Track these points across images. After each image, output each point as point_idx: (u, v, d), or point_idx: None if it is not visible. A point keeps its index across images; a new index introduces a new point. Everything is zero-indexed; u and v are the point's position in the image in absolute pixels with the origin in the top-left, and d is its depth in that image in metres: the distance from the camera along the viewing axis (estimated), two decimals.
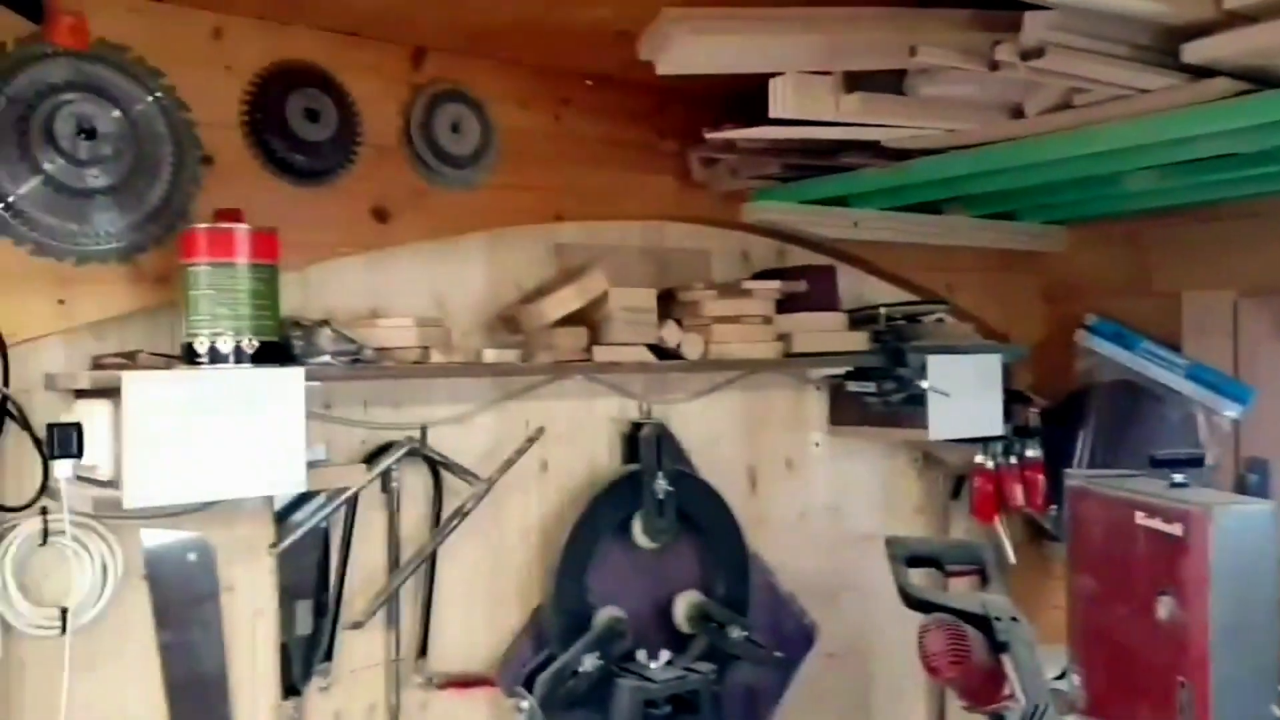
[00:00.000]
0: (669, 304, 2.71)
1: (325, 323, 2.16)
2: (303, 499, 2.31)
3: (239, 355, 2.00)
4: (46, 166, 1.98)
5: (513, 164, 2.56)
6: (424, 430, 2.43)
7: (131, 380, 1.88)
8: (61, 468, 1.92)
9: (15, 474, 2.01)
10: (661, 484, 2.73)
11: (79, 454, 1.93)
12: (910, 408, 3.00)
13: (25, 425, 2.01)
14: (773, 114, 2.19)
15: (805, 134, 2.36)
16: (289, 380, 2.02)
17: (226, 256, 2.00)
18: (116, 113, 2.04)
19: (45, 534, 2.01)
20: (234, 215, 2.05)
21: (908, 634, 2.39)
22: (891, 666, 3.28)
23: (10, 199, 1.95)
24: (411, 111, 2.41)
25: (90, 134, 2.01)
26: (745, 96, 2.28)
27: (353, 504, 2.37)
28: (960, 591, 2.80)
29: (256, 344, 2.02)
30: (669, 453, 2.78)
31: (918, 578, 2.62)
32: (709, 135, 2.51)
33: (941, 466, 3.45)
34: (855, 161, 2.67)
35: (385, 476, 2.41)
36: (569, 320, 2.51)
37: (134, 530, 2.14)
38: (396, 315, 2.36)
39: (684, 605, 2.78)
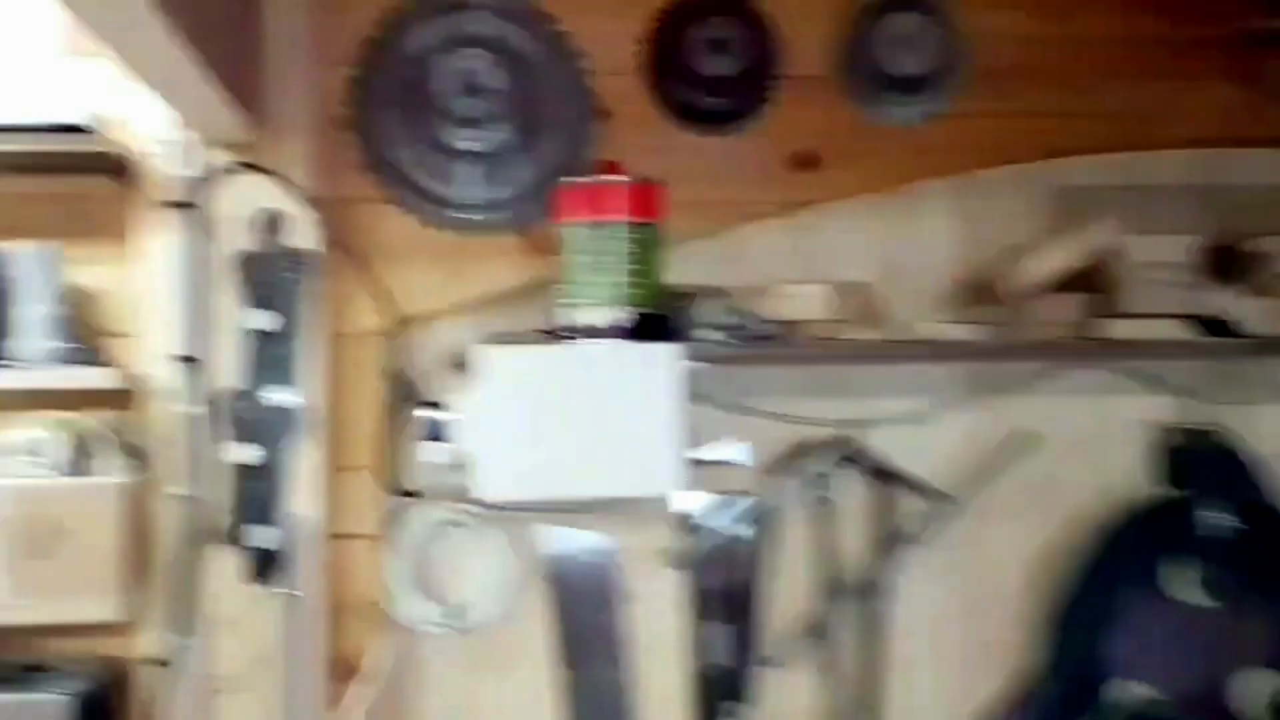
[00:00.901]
0: (1227, 261, 1.90)
1: (717, 291, 1.77)
2: (719, 505, 1.96)
3: (611, 329, 1.70)
4: (433, 128, 1.85)
5: (989, 85, 1.95)
6: (860, 430, 1.93)
7: (483, 357, 1.67)
8: (428, 452, 1.76)
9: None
10: (1223, 518, 1.92)
11: (446, 438, 1.76)
12: None
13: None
14: None
15: None
16: (662, 359, 1.68)
17: (597, 215, 1.71)
18: (506, 67, 1.86)
19: (441, 524, 1.89)
20: (613, 167, 1.76)
21: None
22: None
23: (397, 164, 1.85)
24: (846, 28, 1.94)
25: (478, 91, 1.85)
26: None
27: (776, 517, 1.95)
28: None
29: (632, 316, 1.70)
30: (1237, 475, 1.96)
31: None
32: None
33: None
34: None
35: (815, 486, 1.95)
36: (1066, 285, 1.85)
37: (535, 526, 1.94)
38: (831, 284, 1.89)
39: (1254, 689, 1.93)
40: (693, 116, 1.92)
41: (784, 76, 1.93)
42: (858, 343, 1.78)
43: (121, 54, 1.37)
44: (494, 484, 1.66)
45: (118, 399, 1.77)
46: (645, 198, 1.73)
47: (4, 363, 1.68)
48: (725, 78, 1.91)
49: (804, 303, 1.80)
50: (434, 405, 1.77)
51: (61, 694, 1.64)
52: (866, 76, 1.93)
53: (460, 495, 1.74)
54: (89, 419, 1.74)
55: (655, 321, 1.72)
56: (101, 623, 1.69)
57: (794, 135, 1.95)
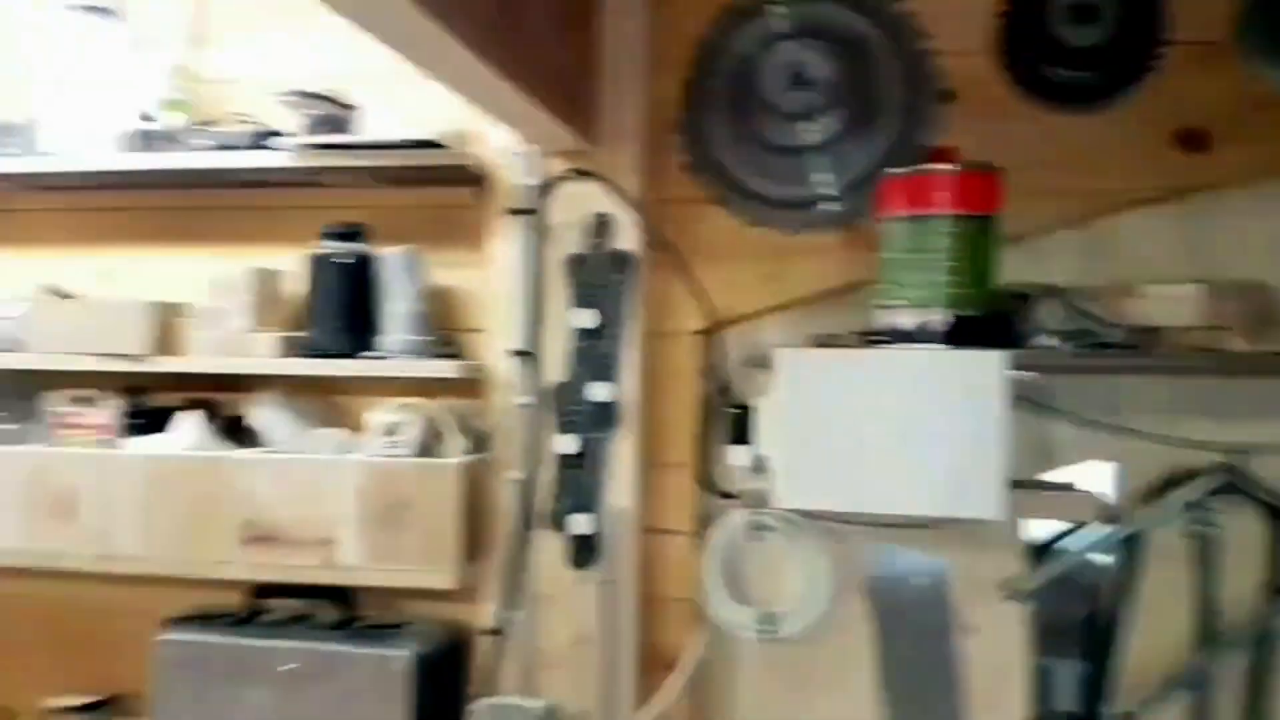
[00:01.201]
0: None
1: (1058, 291, 1.57)
2: (1073, 533, 1.74)
3: (927, 333, 1.57)
4: (760, 125, 1.80)
5: None
6: (1242, 457, 1.62)
7: (784, 360, 1.61)
8: (735, 455, 1.74)
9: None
10: None
11: (750, 441, 1.72)
12: None
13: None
14: None
15: None
16: (984, 367, 1.51)
17: (917, 208, 1.58)
18: (838, 55, 1.77)
19: (755, 528, 1.85)
20: (944, 154, 1.61)
21: None
22: None
23: (722, 164, 1.83)
24: None
25: (806, 84, 1.78)
26: None
27: (1143, 549, 1.70)
28: None
29: (951, 319, 1.55)
30: None
31: None
32: None
33: None
34: None
35: (1193, 518, 1.67)
36: None
37: (857, 539, 1.84)
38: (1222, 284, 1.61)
39: None
40: (1053, 94, 1.72)
41: (1167, 43, 1.66)
42: (1236, 355, 1.49)
43: (454, 89, 1.50)
44: (793, 490, 1.60)
45: (467, 388, 1.93)
46: (973, 188, 1.56)
47: (372, 353, 1.89)
48: (1093, 49, 1.69)
49: (1171, 306, 1.54)
50: (741, 407, 1.74)
51: (409, 651, 1.82)
52: (1273, 38, 1.60)
53: (767, 500, 1.70)
54: (441, 405, 1.91)
55: (981, 325, 1.56)
56: (441, 590, 1.84)
57: (1179, 111, 1.69)
